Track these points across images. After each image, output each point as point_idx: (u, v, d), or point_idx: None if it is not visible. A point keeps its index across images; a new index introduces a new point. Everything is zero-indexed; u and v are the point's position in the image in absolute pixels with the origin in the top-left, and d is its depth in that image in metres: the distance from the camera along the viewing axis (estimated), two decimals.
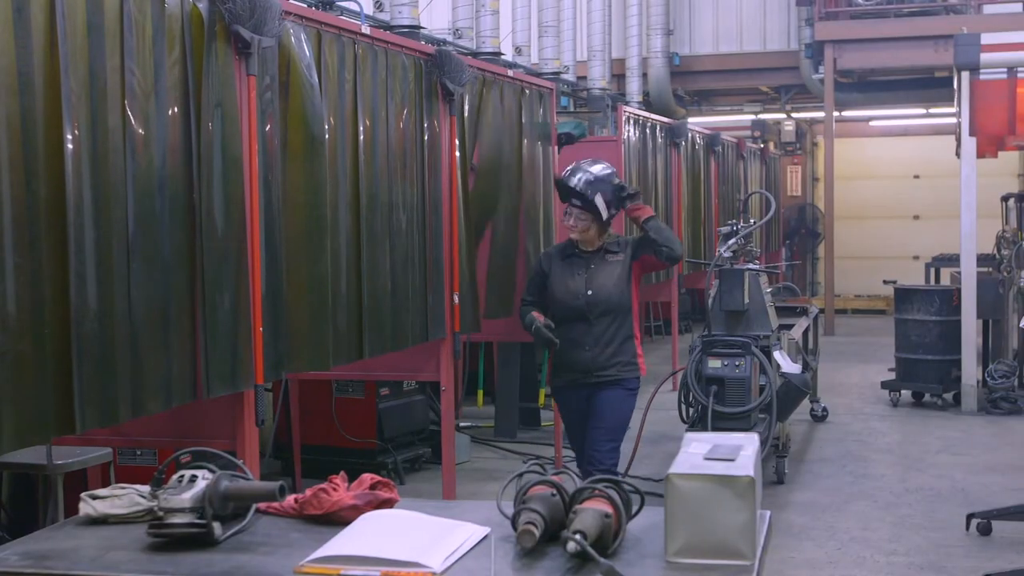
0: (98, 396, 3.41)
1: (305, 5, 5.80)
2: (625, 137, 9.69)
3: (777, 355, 7.02)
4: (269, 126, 4.28)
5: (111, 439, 4.48)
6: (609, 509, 2.36)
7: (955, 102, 9.78)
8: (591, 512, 2.33)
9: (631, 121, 10.00)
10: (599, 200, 5.19)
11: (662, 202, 10.81)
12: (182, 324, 3.79)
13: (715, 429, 6.44)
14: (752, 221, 7.91)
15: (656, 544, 2.36)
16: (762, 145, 17.56)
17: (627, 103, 13.93)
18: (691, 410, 6.97)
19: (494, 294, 6.53)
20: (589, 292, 5.25)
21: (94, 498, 2.62)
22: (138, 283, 3.57)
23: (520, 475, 2.58)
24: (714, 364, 6.71)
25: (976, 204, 9.61)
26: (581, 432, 5.43)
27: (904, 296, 10.06)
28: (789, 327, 7.93)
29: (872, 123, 18.88)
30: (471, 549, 2.39)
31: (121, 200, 3.51)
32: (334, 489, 2.66)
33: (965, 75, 9.46)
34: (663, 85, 16.07)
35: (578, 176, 5.30)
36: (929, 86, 15.88)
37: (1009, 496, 6.70)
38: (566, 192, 5.33)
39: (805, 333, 8.68)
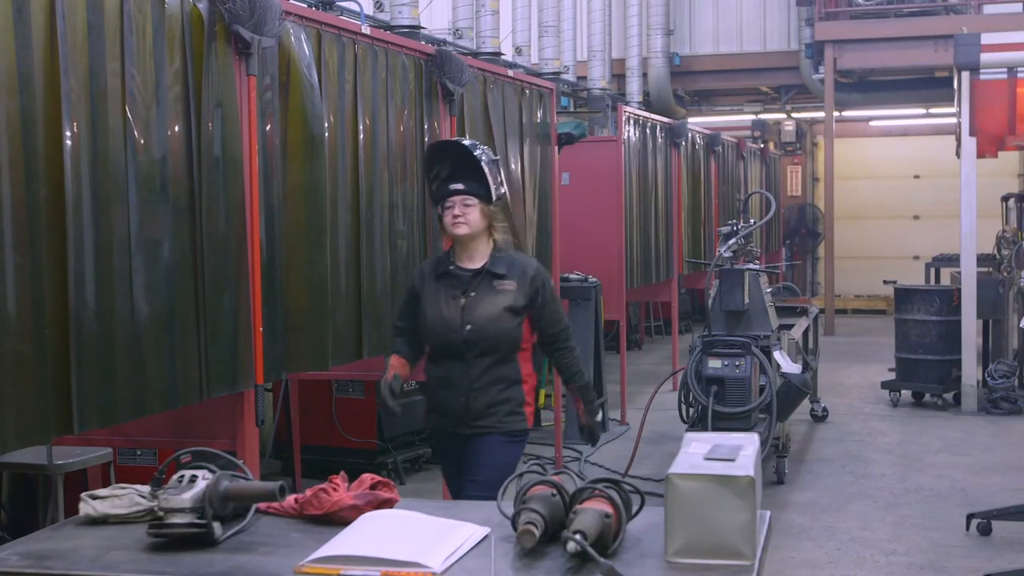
0: (97, 396, 3.41)
1: (305, 5, 5.80)
2: (625, 137, 9.69)
3: (777, 355, 7.02)
4: (269, 126, 4.28)
5: (111, 439, 4.48)
6: (609, 509, 2.36)
7: (955, 102, 9.78)
8: (591, 512, 2.33)
9: (631, 121, 10.00)
10: (486, 169, 4.11)
11: (662, 202, 10.81)
12: (182, 324, 3.79)
13: (715, 429, 6.44)
14: (752, 221, 7.91)
15: (656, 544, 2.35)
16: (762, 145, 17.56)
17: (627, 103, 13.93)
18: (691, 410, 6.97)
19: None
20: (468, 327, 4.12)
21: (94, 498, 2.62)
22: (138, 283, 3.57)
23: (520, 475, 2.58)
24: (714, 364, 6.71)
25: (976, 204, 9.61)
26: (457, 484, 4.33)
27: (904, 296, 10.06)
28: (789, 327, 7.93)
29: (872, 123, 18.89)
30: (471, 549, 2.39)
31: (121, 200, 3.51)
32: (334, 489, 2.66)
33: (965, 75, 9.46)
34: (663, 85, 16.08)
35: (456, 140, 4.37)
36: (929, 86, 15.89)
37: (1009, 496, 6.70)
38: (448, 161, 4.18)
39: (805, 333, 8.68)
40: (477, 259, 4.18)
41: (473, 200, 4.11)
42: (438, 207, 4.20)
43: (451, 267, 4.21)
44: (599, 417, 4.28)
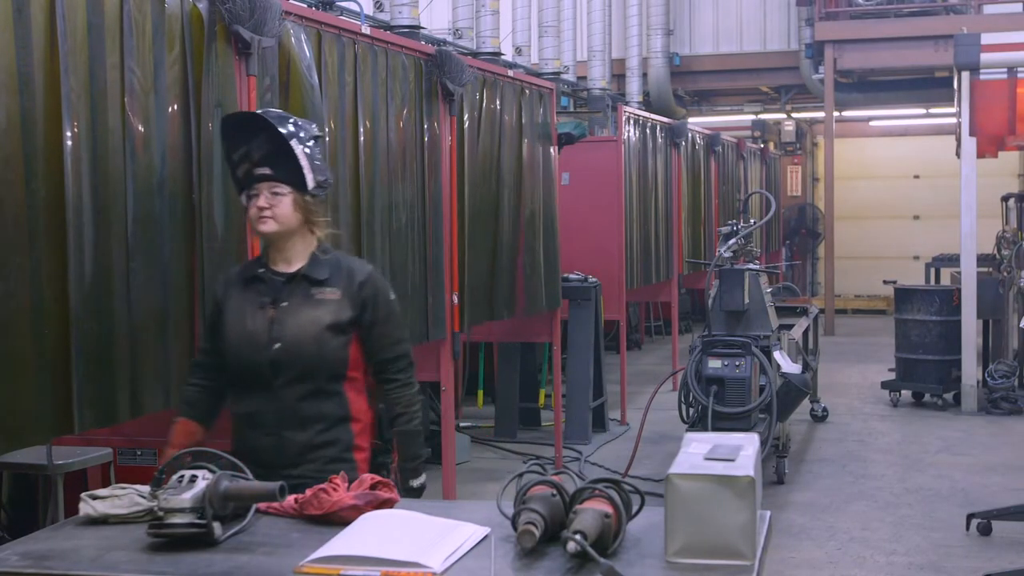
0: (97, 396, 3.41)
1: (305, 5, 5.79)
2: (625, 137, 9.69)
3: (777, 355, 7.02)
4: None
5: (111, 439, 4.48)
6: (609, 509, 2.36)
7: (955, 102, 9.79)
8: (591, 512, 2.33)
9: (631, 121, 10.01)
10: (299, 150, 3.26)
11: (662, 202, 10.81)
12: (181, 324, 3.79)
13: (715, 429, 6.44)
14: (752, 221, 7.92)
15: (656, 544, 2.35)
16: (762, 145, 17.56)
17: (627, 103, 13.93)
18: (691, 410, 6.97)
19: (497, 296, 6.53)
20: (276, 345, 3.25)
21: (94, 498, 2.62)
22: (137, 283, 3.56)
23: (520, 475, 2.58)
24: (714, 364, 6.72)
25: (976, 204, 9.62)
26: None
27: (904, 296, 10.06)
28: (789, 327, 7.93)
29: (872, 123, 18.89)
30: (471, 549, 2.39)
31: (121, 200, 3.51)
32: (334, 489, 2.66)
33: (965, 75, 9.47)
34: (663, 85, 16.08)
35: (259, 112, 3.44)
36: (929, 86, 15.89)
37: (1009, 496, 6.70)
38: (259, 138, 3.27)
39: (805, 333, 8.68)
40: (295, 261, 3.36)
41: (284, 189, 3.27)
42: (242, 195, 3.34)
43: (261, 270, 3.37)
44: (421, 480, 3.45)
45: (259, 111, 3.40)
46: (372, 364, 3.41)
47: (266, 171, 3.26)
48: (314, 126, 3.38)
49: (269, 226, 3.27)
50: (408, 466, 3.43)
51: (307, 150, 3.28)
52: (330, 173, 3.41)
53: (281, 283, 3.33)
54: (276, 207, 3.26)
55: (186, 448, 3.15)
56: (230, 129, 3.39)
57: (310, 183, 3.28)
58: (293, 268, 3.34)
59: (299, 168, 3.25)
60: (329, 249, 3.43)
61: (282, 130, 3.24)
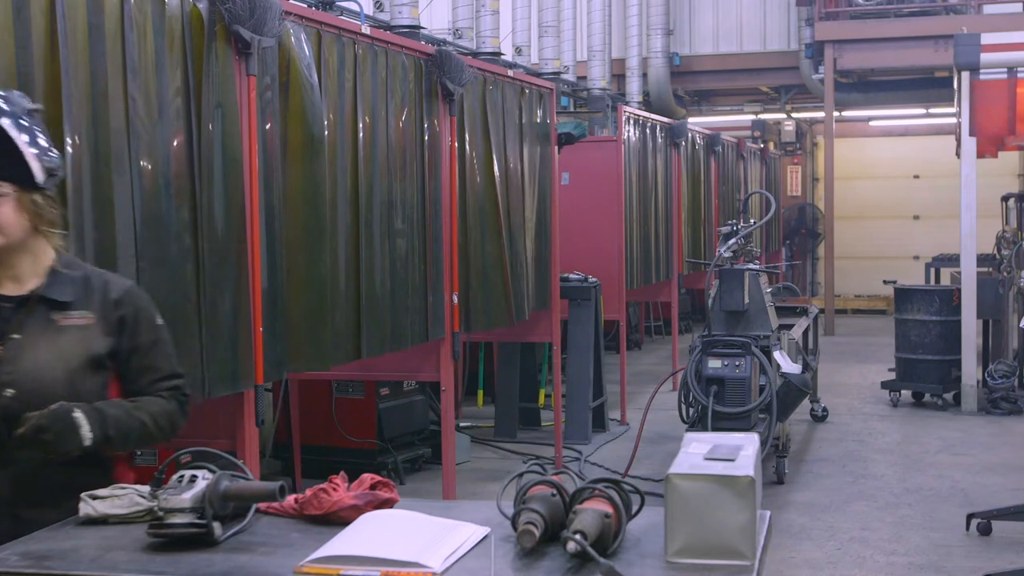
0: None
1: (305, 5, 5.80)
2: (625, 137, 9.69)
3: (777, 355, 7.02)
4: (269, 126, 4.28)
5: None
6: (609, 509, 2.36)
7: (955, 102, 9.79)
8: (591, 512, 2.32)
9: (631, 121, 10.01)
10: (17, 135, 2.41)
11: (662, 202, 10.81)
12: (182, 324, 3.79)
13: (715, 429, 6.45)
14: (752, 221, 7.93)
15: (656, 544, 2.35)
16: (762, 145, 17.57)
17: (627, 103, 13.94)
18: (691, 410, 6.98)
19: (490, 298, 6.53)
20: (8, 392, 2.48)
21: (94, 498, 2.61)
22: (140, 284, 3.56)
23: (520, 475, 2.58)
24: (714, 364, 6.72)
25: (976, 204, 9.62)
26: None
27: (904, 296, 10.06)
28: (789, 327, 7.93)
29: (872, 123, 18.90)
30: (471, 549, 2.39)
31: (122, 201, 3.51)
32: (334, 489, 2.66)
33: (965, 75, 9.47)
34: (663, 85, 16.09)
35: None
36: (929, 86, 15.90)
37: (1009, 496, 6.70)
38: None
39: (805, 333, 8.68)
40: (27, 280, 2.56)
41: (3, 188, 2.45)
42: None
43: None
44: (88, 437, 2.48)
45: None
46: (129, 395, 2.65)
47: None
48: (25, 98, 2.52)
49: None
50: (100, 425, 2.50)
51: (25, 132, 2.43)
52: (57, 160, 2.53)
53: (10, 310, 2.53)
54: None
55: None
56: None
57: (38, 175, 2.45)
58: (25, 289, 2.55)
59: (20, 156, 2.41)
60: (76, 262, 2.66)
61: None
